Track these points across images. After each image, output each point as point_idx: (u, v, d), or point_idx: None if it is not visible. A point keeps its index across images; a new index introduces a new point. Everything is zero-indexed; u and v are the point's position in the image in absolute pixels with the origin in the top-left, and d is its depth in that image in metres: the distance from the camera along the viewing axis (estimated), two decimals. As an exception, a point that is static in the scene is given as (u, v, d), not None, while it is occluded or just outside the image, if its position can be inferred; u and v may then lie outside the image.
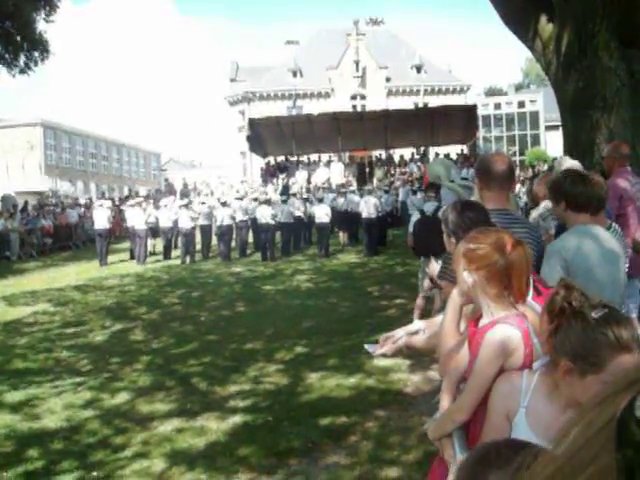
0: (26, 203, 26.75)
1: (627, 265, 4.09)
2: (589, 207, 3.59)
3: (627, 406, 0.43)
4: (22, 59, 23.25)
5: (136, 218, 19.99)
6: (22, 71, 23.36)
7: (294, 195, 22.36)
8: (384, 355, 3.29)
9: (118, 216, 25.77)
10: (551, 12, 8.74)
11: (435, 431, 2.47)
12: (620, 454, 0.42)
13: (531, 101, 53.03)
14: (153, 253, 21.32)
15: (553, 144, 41.33)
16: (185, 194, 29.96)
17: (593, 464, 0.44)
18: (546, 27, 8.91)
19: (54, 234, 25.18)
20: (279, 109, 46.32)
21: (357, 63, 51.00)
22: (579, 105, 8.16)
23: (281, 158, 33.63)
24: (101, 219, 20.05)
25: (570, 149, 8.17)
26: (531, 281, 2.53)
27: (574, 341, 1.77)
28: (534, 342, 2.19)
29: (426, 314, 7.35)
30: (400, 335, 3.21)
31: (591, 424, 0.46)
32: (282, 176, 30.66)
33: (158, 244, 21.54)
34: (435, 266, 3.57)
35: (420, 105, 42.99)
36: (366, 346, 3.39)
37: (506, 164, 3.51)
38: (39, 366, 8.32)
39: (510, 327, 2.20)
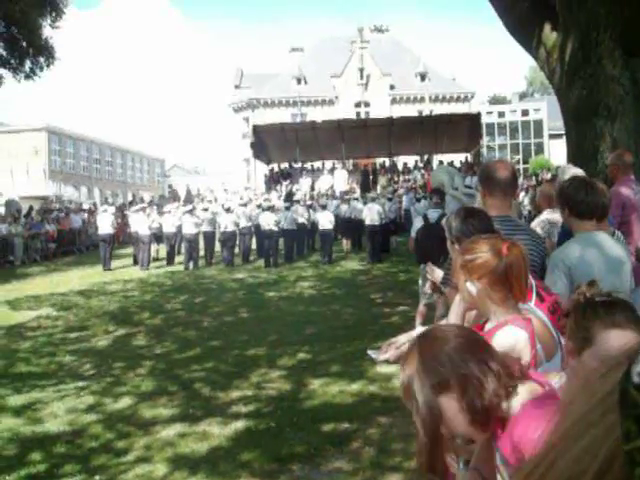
0: (30, 208, 26.79)
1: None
2: (592, 215, 3.57)
3: (624, 375, 0.50)
4: (27, 64, 23.28)
5: (140, 223, 20.05)
6: (27, 76, 23.38)
7: (297, 202, 22.33)
8: (387, 361, 3.30)
9: (122, 221, 25.81)
10: (555, 21, 8.75)
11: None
12: (623, 414, 0.49)
13: (535, 110, 53.17)
14: (156, 259, 21.31)
15: (557, 153, 41.37)
16: (189, 200, 29.96)
17: (599, 424, 0.51)
18: (550, 35, 8.93)
19: (58, 239, 25.20)
20: (283, 116, 46.44)
21: (361, 70, 51.14)
22: (583, 113, 8.17)
23: (285, 165, 33.64)
24: (105, 224, 20.13)
25: (574, 157, 8.18)
26: (534, 287, 2.54)
27: (574, 323, 1.87)
28: (537, 347, 2.21)
29: (428, 321, 7.35)
30: (403, 341, 3.21)
31: (595, 393, 0.53)
32: (286, 183, 30.68)
33: (161, 250, 21.55)
34: (439, 272, 3.58)
35: (424, 113, 43.02)
36: (369, 352, 3.40)
37: (509, 171, 3.52)
38: (42, 370, 8.34)
39: (519, 329, 2.22)
